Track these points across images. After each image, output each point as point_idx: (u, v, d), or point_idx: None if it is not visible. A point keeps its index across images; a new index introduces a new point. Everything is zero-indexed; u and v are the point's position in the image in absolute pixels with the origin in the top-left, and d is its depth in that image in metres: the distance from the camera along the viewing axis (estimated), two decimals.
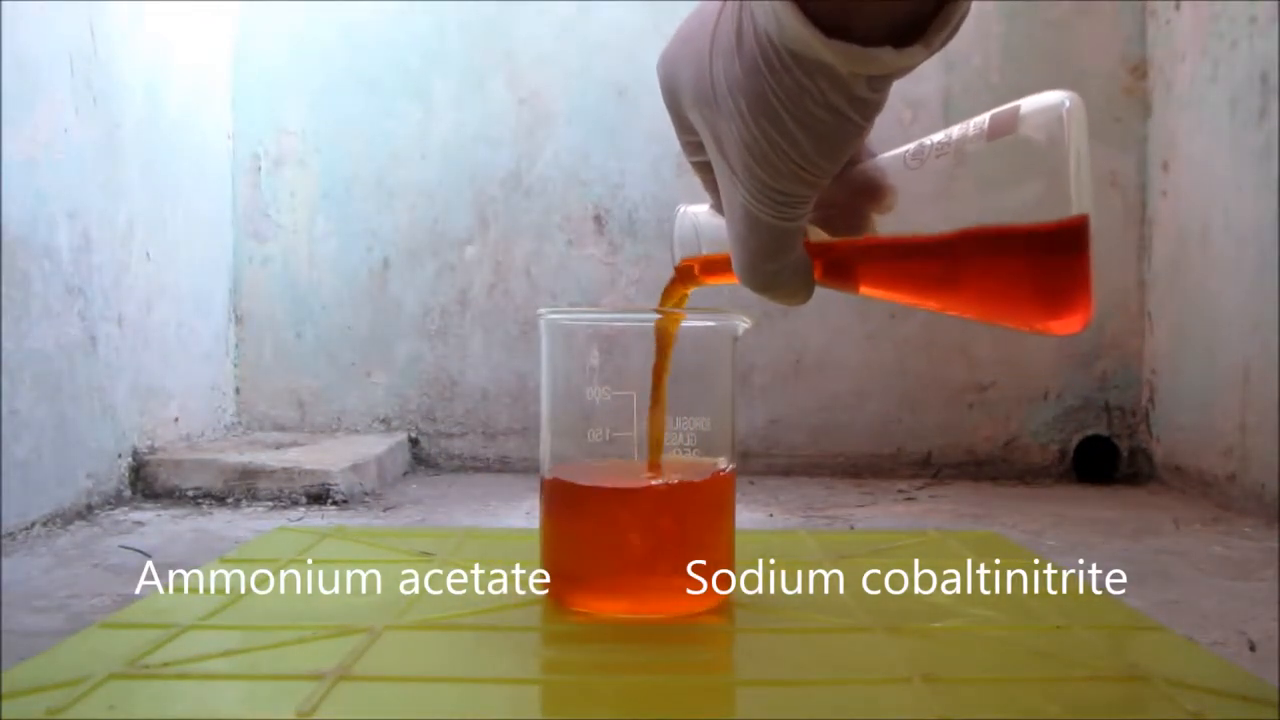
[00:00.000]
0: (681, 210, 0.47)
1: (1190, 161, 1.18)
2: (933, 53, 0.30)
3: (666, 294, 0.48)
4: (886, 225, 0.38)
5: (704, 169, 0.38)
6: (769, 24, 0.30)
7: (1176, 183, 1.21)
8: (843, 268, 0.40)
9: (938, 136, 0.38)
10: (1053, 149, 0.35)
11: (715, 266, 0.46)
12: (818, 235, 0.40)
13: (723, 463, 0.48)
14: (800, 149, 0.32)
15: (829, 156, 0.32)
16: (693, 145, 0.38)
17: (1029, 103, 0.36)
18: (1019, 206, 0.36)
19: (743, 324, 0.49)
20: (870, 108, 0.31)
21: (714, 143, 0.35)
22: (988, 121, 0.37)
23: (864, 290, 0.41)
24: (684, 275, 0.47)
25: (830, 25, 0.29)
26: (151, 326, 1.11)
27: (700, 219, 0.46)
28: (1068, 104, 0.35)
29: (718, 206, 0.40)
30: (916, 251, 0.38)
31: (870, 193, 0.38)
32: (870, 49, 0.29)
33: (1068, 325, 0.36)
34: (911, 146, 0.38)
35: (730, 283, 0.44)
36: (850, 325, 1.30)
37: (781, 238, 0.36)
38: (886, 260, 0.40)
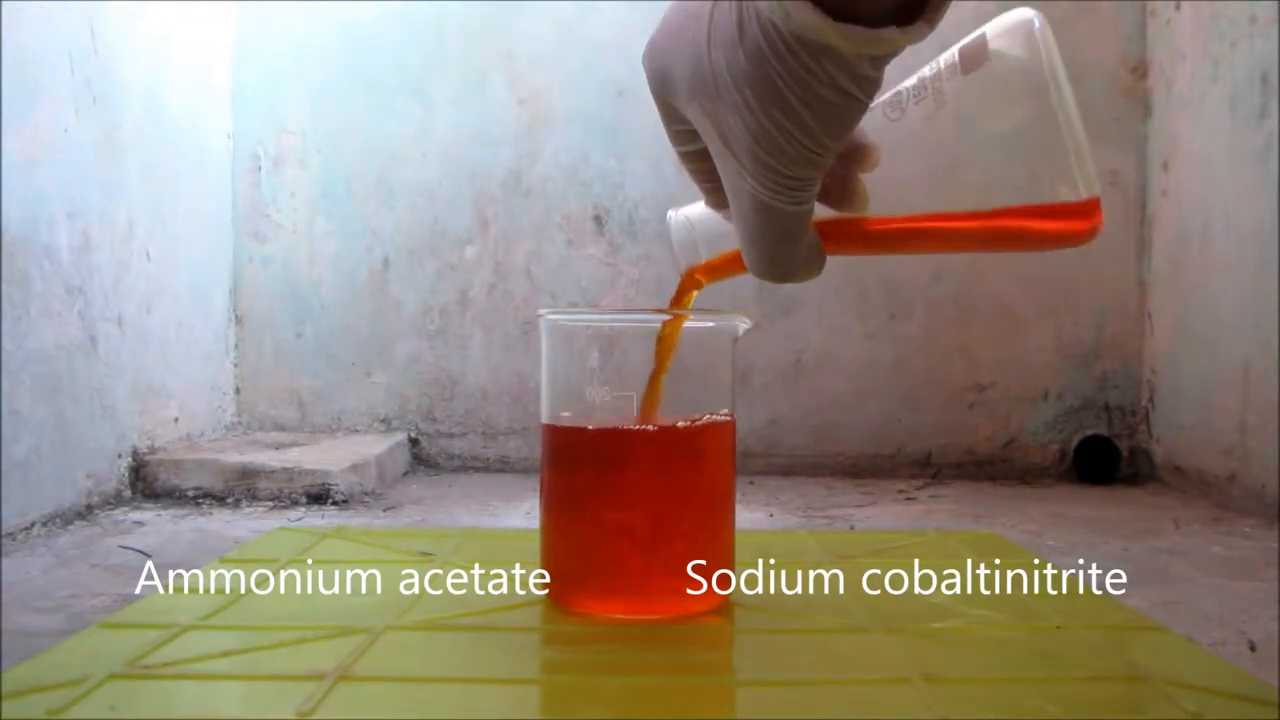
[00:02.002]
0: (671, 215, 0.46)
1: (1190, 161, 1.18)
2: (933, 29, 0.31)
3: (674, 304, 0.48)
4: (877, 179, 0.38)
5: (694, 159, 0.38)
6: (773, 13, 0.30)
7: (1176, 183, 1.21)
8: (851, 240, 0.41)
9: (910, 82, 0.38)
10: (1032, 64, 0.35)
11: (719, 266, 0.46)
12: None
13: (722, 412, 0.48)
14: (809, 132, 0.32)
15: (836, 136, 0.33)
16: (682, 135, 0.37)
17: (994, 27, 0.37)
18: (1008, 133, 0.36)
19: (743, 324, 0.49)
20: (873, 85, 0.32)
21: (717, 135, 0.35)
22: (957, 55, 0.37)
23: (869, 253, 0.42)
24: (689, 283, 0.47)
25: (835, 9, 0.30)
26: (151, 326, 1.11)
27: (693, 218, 0.46)
28: (1037, 22, 0.36)
29: (713, 200, 0.40)
30: (928, 230, 0.39)
31: (854, 154, 0.38)
32: (877, 30, 0.30)
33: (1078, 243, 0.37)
34: (887, 96, 0.39)
35: (738, 274, 0.44)
36: (850, 325, 1.30)
37: (795, 222, 0.36)
38: (894, 232, 0.40)
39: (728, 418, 0.49)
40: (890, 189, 0.39)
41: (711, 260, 0.46)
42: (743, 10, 0.31)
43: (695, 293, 0.48)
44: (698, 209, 0.45)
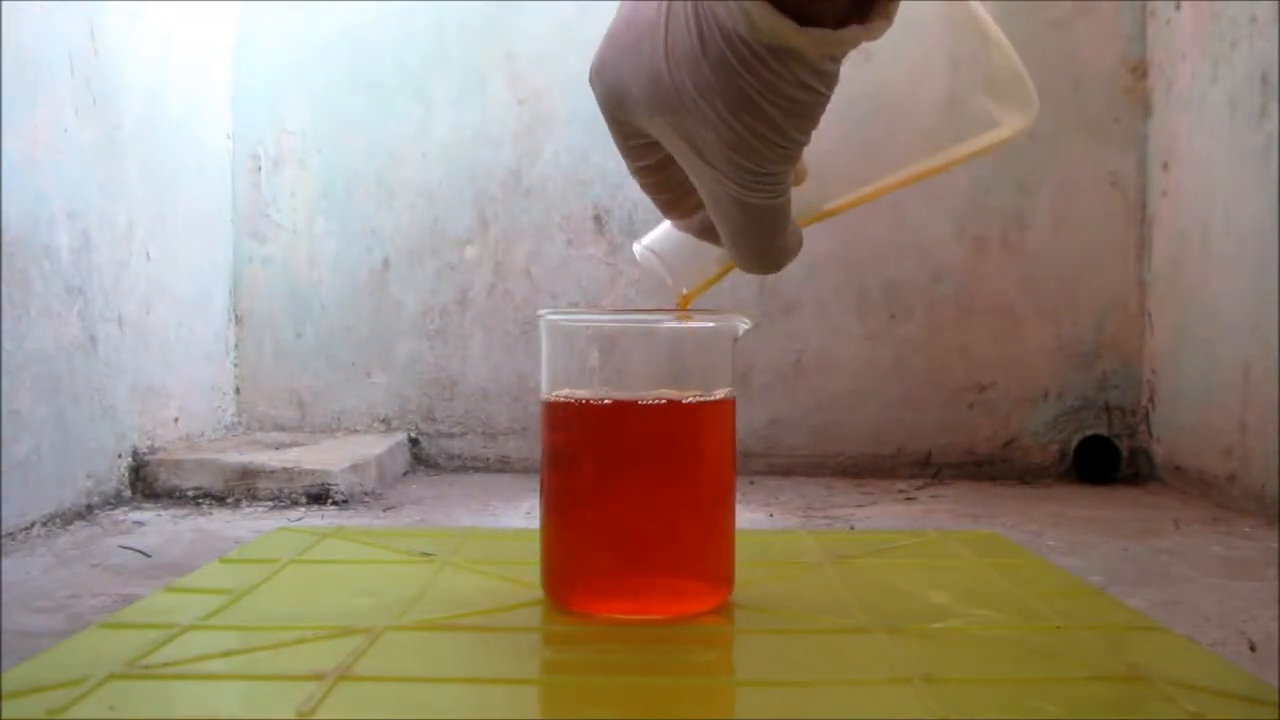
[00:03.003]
0: (637, 251, 0.46)
1: (1190, 161, 1.18)
2: (891, 23, 0.32)
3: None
4: (821, 145, 0.39)
5: (649, 172, 0.39)
6: (737, 24, 0.31)
7: (1176, 183, 1.21)
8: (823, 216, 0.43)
9: None
10: None
11: (707, 283, 0.47)
12: None
13: (720, 392, 0.48)
14: (783, 132, 0.33)
15: (806, 130, 0.34)
16: (638, 150, 0.38)
17: None
18: (934, 62, 0.38)
19: (743, 324, 0.49)
20: (835, 78, 0.33)
21: (686, 147, 0.35)
22: None
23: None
24: (682, 304, 0.48)
25: (797, 14, 0.30)
26: (151, 326, 1.11)
27: (656, 247, 0.46)
28: None
29: (673, 211, 0.41)
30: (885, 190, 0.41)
31: None
32: (840, 31, 0.31)
33: None
34: None
35: (725, 275, 0.45)
36: (850, 325, 1.30)
37: (778, 214, 0.37)
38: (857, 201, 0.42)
39: (727, 395, 0.49)
40: (835, 152, 0.40)
41: (697, 284, 0.46)
42: (702, 22, 0.32)
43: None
44: (655, 236, 0.45)
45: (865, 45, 0.33)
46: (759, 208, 0.36)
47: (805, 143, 0.34)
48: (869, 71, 0.38)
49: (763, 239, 0.37)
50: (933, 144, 0.41)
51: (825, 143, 0.38)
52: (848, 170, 0.42)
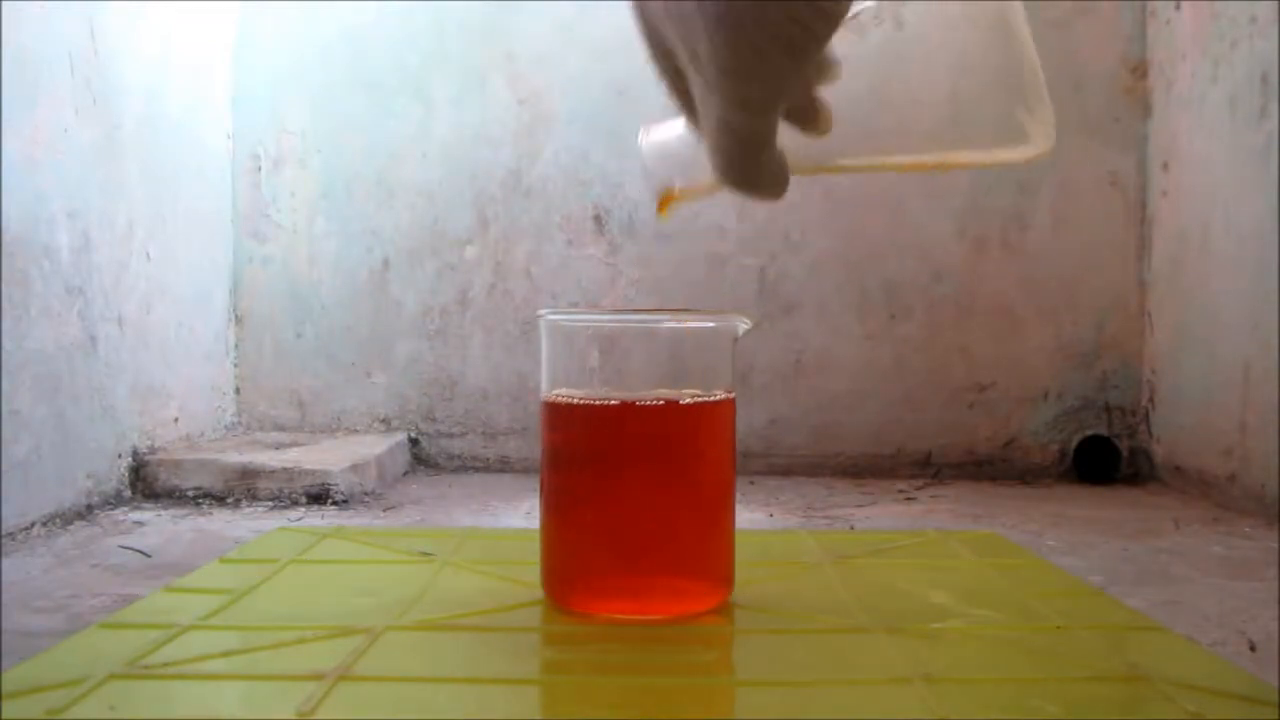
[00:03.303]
0: (643, 141, 0.46)
1: (1190, 161, 1.18)
2: None
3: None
4: (833, 93, 0.39)
5: (667, 76, 0.40)
6: None
7: (1176, 183, 1.21)
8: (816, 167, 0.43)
9: (870, 4, 0.40)
10: None
11: (691, 190, 0.47)
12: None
13: (720, 392, 0.48)
14: (768, 60, 0.34)
15: (794, 63, 0.34)
16: (659, 55, 0.39)
17: None
18: (963, 54, 0.38)
19: (743, 324, 0.49)
20: (833, 19, 0.33)
21: (688, 55, 0.36)
22: None
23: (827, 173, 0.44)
24: (665, 197, 0.47)
25: None
26: (151, 326, 1.11)
27: (668, 140, 0.46)
28: None
29: (691, 117, 0.41)
30: (885, 165, 0.41)
31: (818, 68, 0.39)
32: None
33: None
34: (848, 19, 0.40)
35: (710, 193, 0.45)
36: (850, 325, 1.30)
37: (756, 138, 0.37)
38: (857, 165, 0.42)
39: (727, 395, 0.49)
40: (848, 111, 0.40)
41: (685, 189, 0.46)
42: None
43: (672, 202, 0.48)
44: (664, 128, 0.45)
45: (901, 16, 0.34)
46: (740, 125, 0.37)
47: (792, 75, 0.35)
48: (904, 43, 0.39)
49: (740, 156, 0.38)
50: (952, 140, 0.41)
51: (846, 106, 0.38)
52: (860, 137, 0.42)
